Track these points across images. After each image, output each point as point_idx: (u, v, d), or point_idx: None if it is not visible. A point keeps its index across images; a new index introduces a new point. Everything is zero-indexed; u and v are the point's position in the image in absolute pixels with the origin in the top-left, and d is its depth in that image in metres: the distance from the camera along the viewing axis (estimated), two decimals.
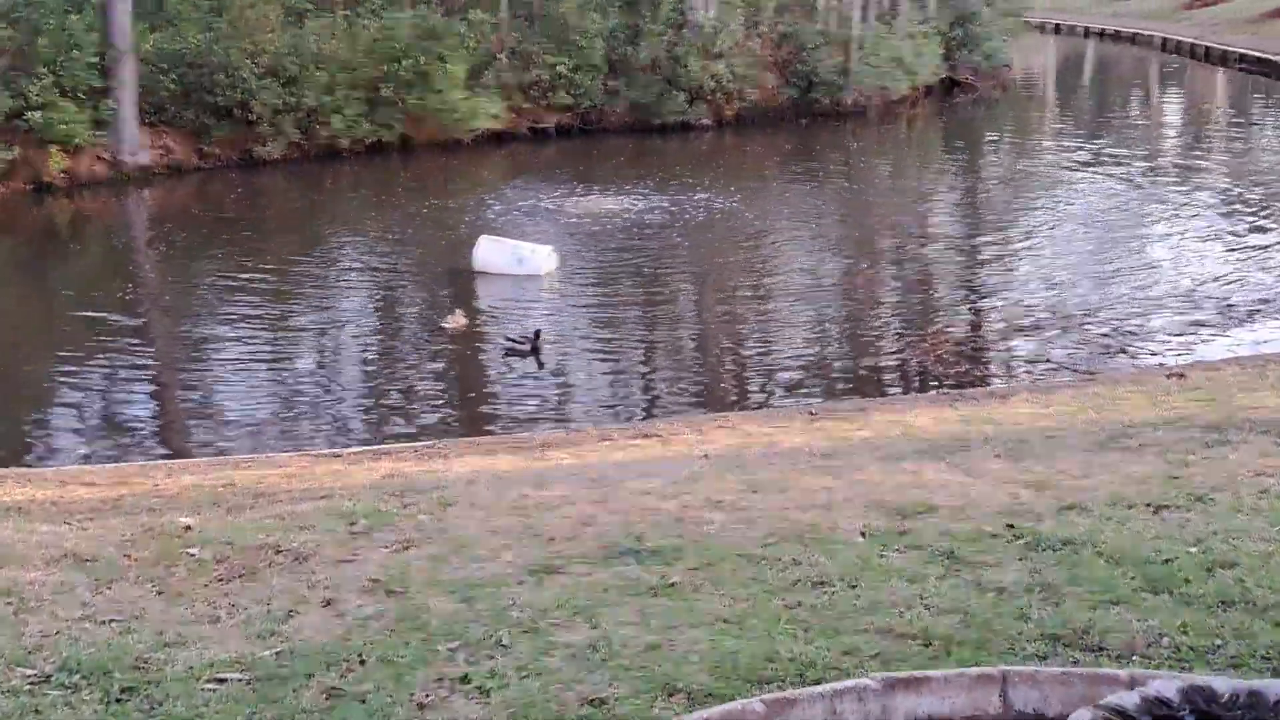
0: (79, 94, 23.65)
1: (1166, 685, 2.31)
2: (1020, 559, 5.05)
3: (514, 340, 13.56)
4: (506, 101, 28.27)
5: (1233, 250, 17.09)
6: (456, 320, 14.49)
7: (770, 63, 30.97)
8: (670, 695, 4.02)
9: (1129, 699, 2.32)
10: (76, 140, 23.56)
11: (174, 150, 25.55)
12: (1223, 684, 2.30)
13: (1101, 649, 4.16)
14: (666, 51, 29.40)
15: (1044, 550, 5.13)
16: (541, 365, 13.16)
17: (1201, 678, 2.34)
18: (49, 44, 23.57)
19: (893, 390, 11.78)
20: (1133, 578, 4.75)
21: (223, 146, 25.78)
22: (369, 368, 13.62)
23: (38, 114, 22.97)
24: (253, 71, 25.15)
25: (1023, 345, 13.32)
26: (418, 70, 26.43)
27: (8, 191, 23.21)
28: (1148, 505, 5.72)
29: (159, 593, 5.47)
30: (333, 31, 26.78)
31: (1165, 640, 4.18)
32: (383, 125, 26.67)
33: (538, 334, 13.46)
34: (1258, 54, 40.43)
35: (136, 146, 24.71)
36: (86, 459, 11.25)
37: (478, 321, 14.85)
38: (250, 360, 13.88)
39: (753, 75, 30.07)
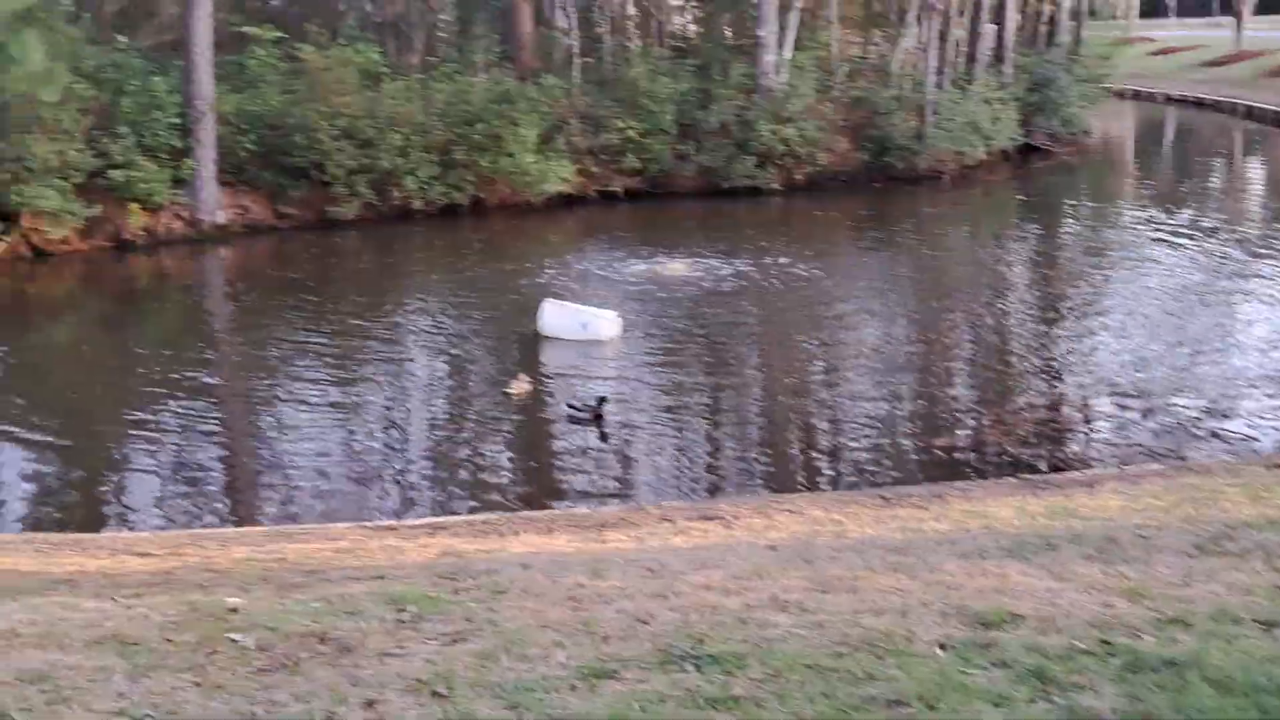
0: (160, 153, 24.11)
1: None
2: (1117, 681, 4.62)
3: (577, 408, 13.34)
4: (577, 165, 28.34)
5: None
6: (520, 386, 14.33)
7: (842, 127, 30.76)
8: None
9: None
10: (156, 198, 24.00)
11: (251, 210, 25.90)
12: None
13: None
14: (737, 116, 29.33)
15: (1144, 672, 4.69)
16: (605, 435, 12.89)
17: None
18: (132, 104, 24.06)
19: (969, 472, 11.29)
20: (1246, 709, 4.31)
21: (298, 207, 26.10)
22: (432, 433, 13.46)
23: (120, 172, 23.43)
24: (329, 133, 25.46)
25: (1107, 426, 12.76)
26: (490, 134, 26.63)
27: (89, 248, 23.62)
28: (1256, 621, 5.25)
29: (197, 684, 5.22)
30: (408, 95, 27.06)
31: None
32: (455, 187, 26.86)
33: (602, 401, 13.23)
34: None
35: (214, 206, 25.07)
36: (149, 521, 11.21)
37: (541, 387, 14.66)
38: (315, 423, 13.82)
39: (824, 139, 29.88)
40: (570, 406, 13.43)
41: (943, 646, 5.09)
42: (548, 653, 5.34)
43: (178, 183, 24.50)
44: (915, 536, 7.40)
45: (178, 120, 24.46)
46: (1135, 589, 5.77)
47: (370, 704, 4.86)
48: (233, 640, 5.84)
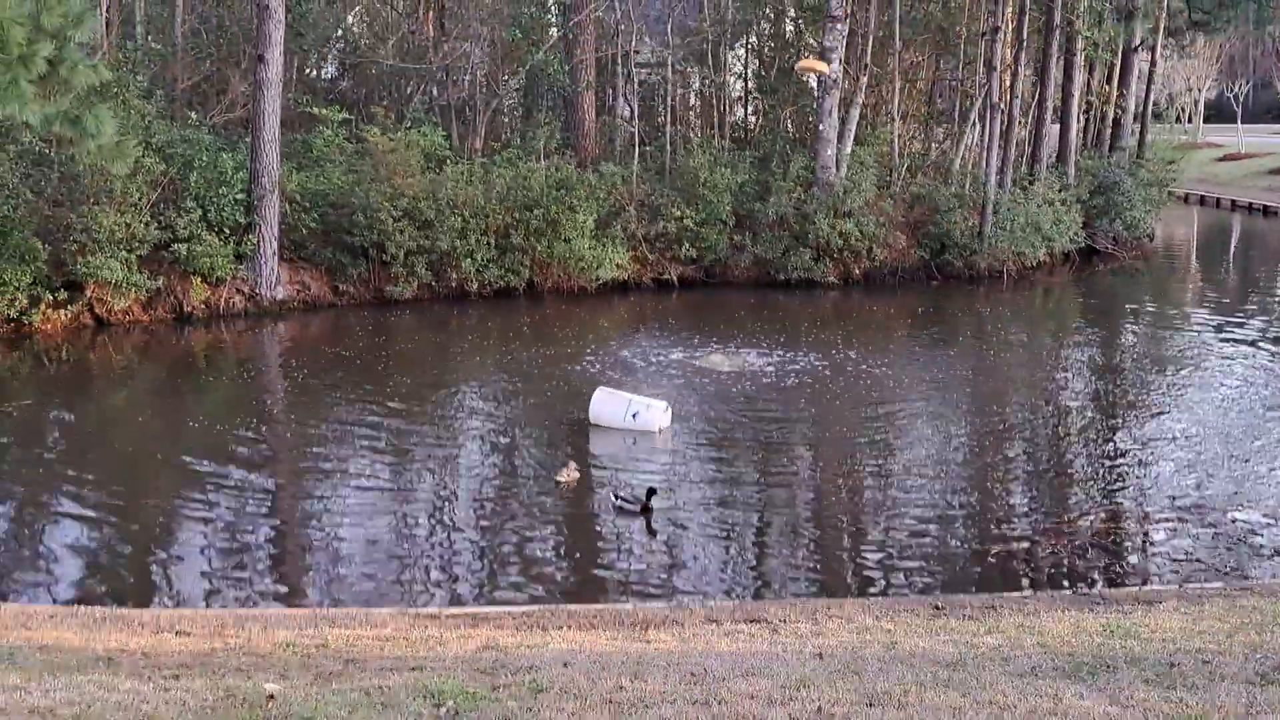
0: (224, 228, 24.56)
1: None
2: None
3: (624, 499, 13.23)
4: (632, 252, 28.51)
5: None
6: (570, 474, 14.27)
7: (901, 223, 30.74)
8: None
9: None
10: (219, 273, 24.40)
11: (310, 287, 26.26)
12: None
13: None
14: (795, 208, 29.42)
15: None
16: (652, 530, 12.76)
17: None
18: (200, 179, 24.59)
19: (1023, 582, 11.01)
20: None
21: (357, 285, 26.45)
22: (479, 519, 13.40)
23: (184, 246, 23.88)
24: (390, 213, 25.84)
25: (1166, 540, 12.42)
26: (548, 219, 26.90)
27: (151, 320, 24.01)
28: None
29: None
30: (469, 178, 27.44)
31: None
32: (511, 271, 27.10)
33: (650, 493, 13.11)
34: None
35: (275, 281, 25.46)
36: (196, 598, 11.20)
37: (590, 475, 14.58)
38: (364, 504, 13.83)
39: (882, 234, 29.85)
40: (618, 497, 13.33)
41: None
42: None
43: (240, 258, 24.92)
44: (967, 650, 7.18)
45: (242, 196, 24.95)
46: (1198, 718, 5.55)
47: None
48: None
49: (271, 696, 6.42)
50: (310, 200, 26.33)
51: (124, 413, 18.65)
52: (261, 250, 25.16)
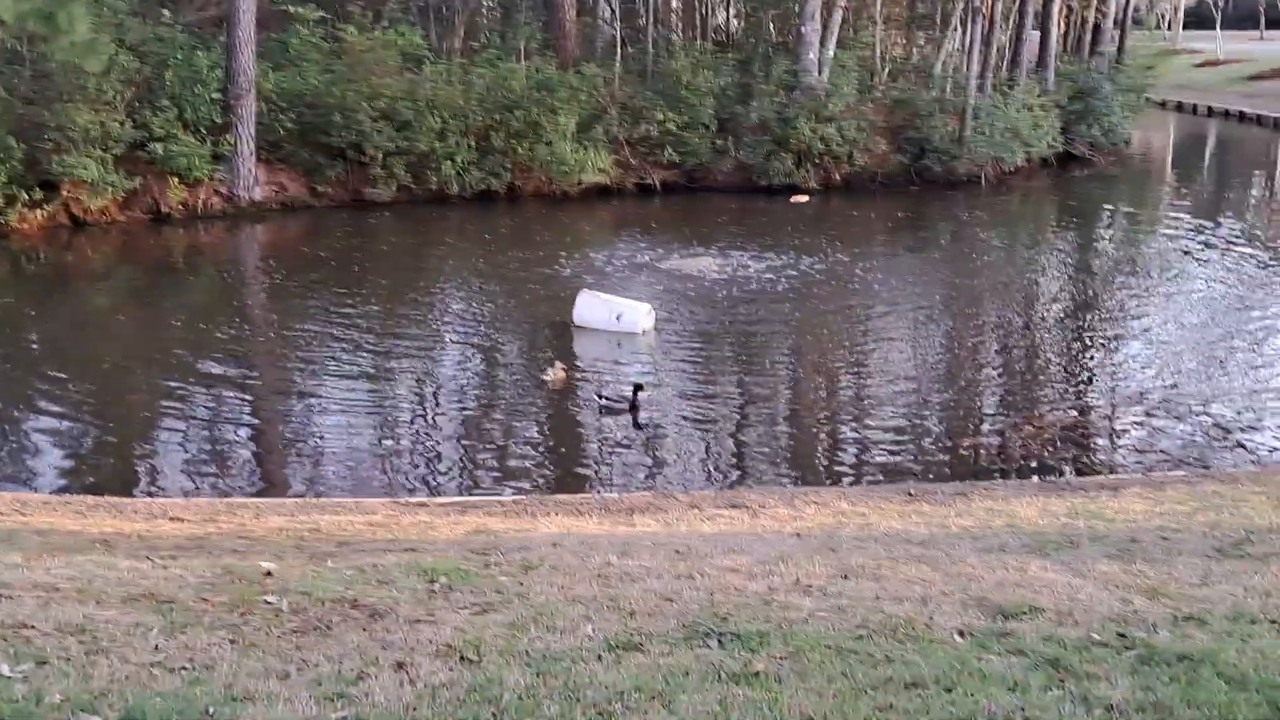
0: (200, 129, 24.36)
1: None
2: (1132, 673, 4.71)
3: (610, 399, 13.44)
4: (614, 156, 28.44)
5: None
6: (556, 374, 14.46)
7: (882, 128, 30.73)
8: None
9: None
10: (195, 173, 24.26)
11: (288, 188, 26.16)
12: None
13: None
14: (777, 113, 29.35)
15: (1158, 665, 4.78)
16: (639, 425, 13.01)
17: None
18: (175, 78, 24.33)
19: (994, 473, 11.34)
20: (1257, 704, 4.38)
21: (335, 186, 26.34)
22: (464, 416, 13.59)
23: (160, 145, 23.71)
24: (368, 114, 25.66)
25: (1134, 433, 12.78)
26: (529, 121, 26.75)
27: (128, 220, 23.93)
28: (1272, 622, 5.32)
29: (232, 641, 5.36)
30: (448, 79, 27.21)
31: None
32: (491, 174, 27.02)
33: (637, 389, 13.33)
34: None
35: (252, 182, 25.35)
36: (182, 489, 11.38)
37: (574, 376, 14.78)
38: (348, 402, 13.97)
39: (863, 140, 29.85)
40: (602, 398, 13.54)
41: (962, 634, 5.20)
42: (575, 625, 5.46)
43: (217, 158, 24.78)
44: (939, 531, 7.48)
45: (218, 96, 24.73)
46: (1154, 587, 5.85)
47: (400, 666, 4.99)
48: (267, 603, 5.99)
49: (269, 573, 6.64)
50: (287, 100, 26.11)
51: (103, 313, 18.70)
52: (238, 150, 25.00)
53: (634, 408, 13.20)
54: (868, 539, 7.20)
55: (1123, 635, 5.13)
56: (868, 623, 5.35)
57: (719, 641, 5.17)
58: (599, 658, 5.03)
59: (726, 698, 4.55)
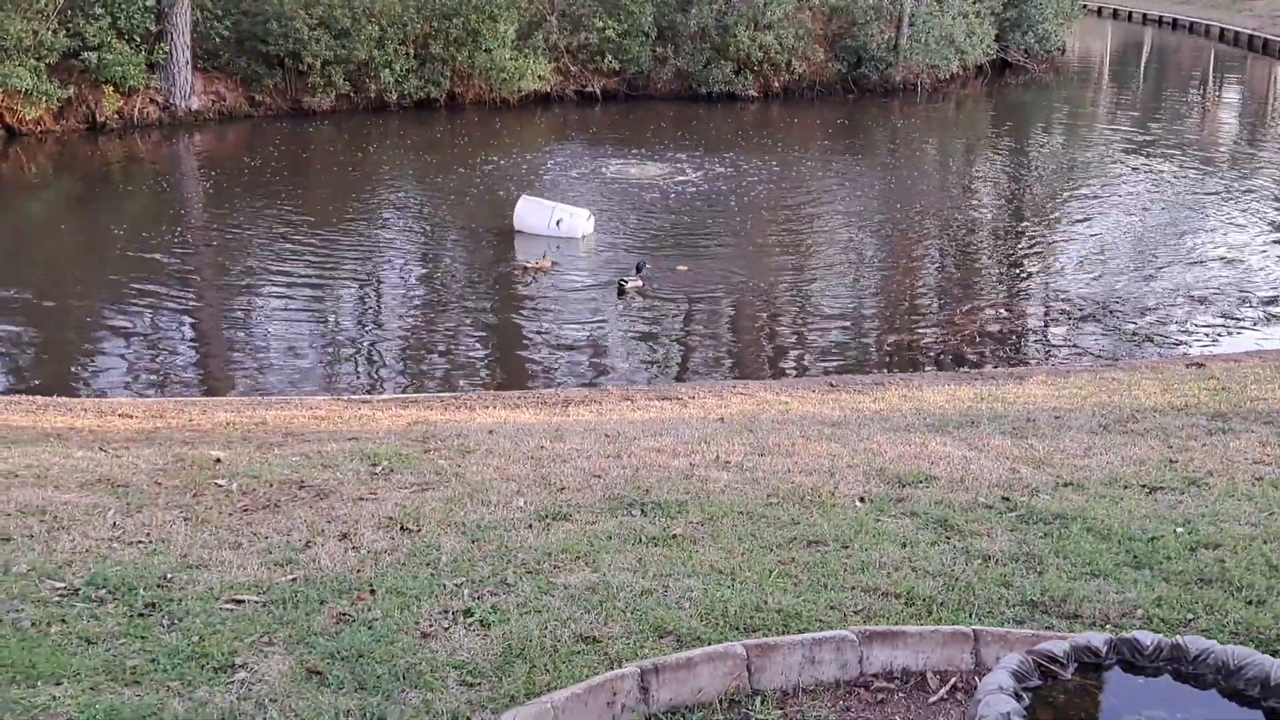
0: (135, 37, 24.03)
1: (1096, 636, 2.48)
2: (1011, 530, 5.21)
3: (625, 280, 14.45)
4: (554, 64, 28.40)
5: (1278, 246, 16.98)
6: (541, 263, 15.16)
7: (820, 36, 30.87)
8: (661, 637, 4.22)
9: (1058, 646, 2.49)
10: (130, 82, 23.97)
11: (225, 97, 25.92)
12: (1148, 638, 2.47)
13: (1077, 617, 4.32)
14: (716, 20, 29.39)
15: (1035, 523, 5.29)
16: (622, 293, 14.18)
17: (1131, 634, 2.51)
18: None
19: (919, 368, 11.88)
20: (1117, 553, 4.90)
21: (273, 95, 26.13)
22: (405, 320, 13.88)
23: (94, 54, 23.38)
24: (306, 22, 25.40)
25: (1053, 331, 13.37)
26: (468, 28, 26.62)
27: (63, 130, 23.67)
28: (1143, 486, 5.85)
29: (186, 519, 5.72)
30: None
31: (1139, 612, 4.33)
32: (431, 82, 26.92)
33: (639, 267, 14.53)
34: None
35: (188, 91, 25.09)
36: (127, 390, 11.62)
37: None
38: (290, 307, 14.18)
39: (801, 48, 30.00)
40: (622, 283, 14.47)
41: (862, 500, 5.68)
42: (508, 500, 5.88)
43: (152, 67, 24.48)
44: (851, 414, 7.97)
45: (152, 3, 24.35)
46: (1040, 458, 6.37)
47: (344, 536, 5.39)
48: (218, 485, 6.35)
49: (219, 460, 6.98)
50: (222, 8, 25.76)
51: (41, 222, 18.64)
52: (174, 59, 24.70)
53: (639, 270, 14.48)
54: (786, 422, 7.67)
55: (1006, 499, 5.63)
56: (778, 491, 5.81)
57: (641, 510, 5.61)
58: (529, 526, 5.46)
59: (645, 557, 5.00)
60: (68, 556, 5.10)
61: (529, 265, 14.99)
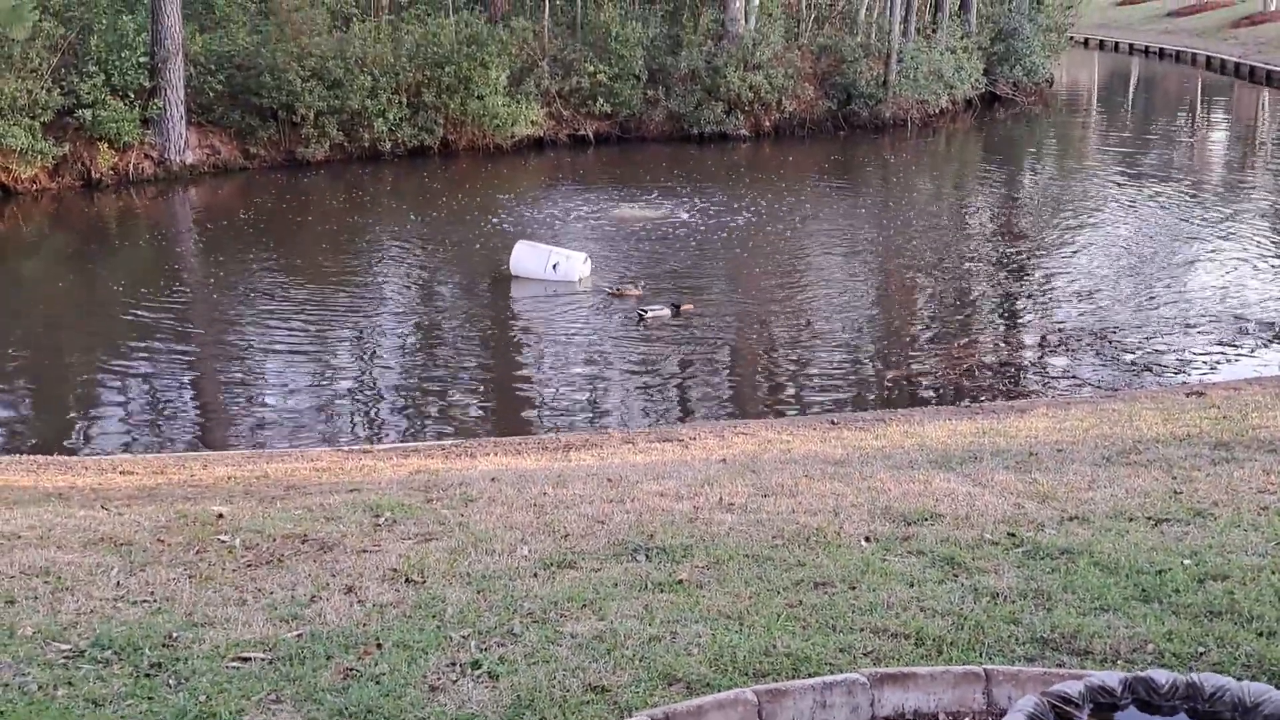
0: (129, 93, 24.18)
1: (1110, 676, 2.47)
2: (1018, 566, 5.19)
3: (646, 313, 14.83)
4: (546, 108, 28.60)
5: (1273, 271, 17.03)
6: (631, 290, 15.58)
7: (809, 74, 31.12)
8: (670, 684, 4.19)
9: (1073, 687, 2.48)
10: (125, 138, 24.09)
11: (220, 150, 26.05)
12: (1163, 676, 2.46)
13: (1088, 653, 4.29)
14: (706, 62, 29.63)
15: (1042, 558, 5.27)
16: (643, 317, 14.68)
17: (1146, 672, 2.50)
18: (101, 43, 24.11)
19: (919, 403, 11.88)
20: (1125, 587, 4.88)
21: (267, 147, 26.26)
22: (405, 369, 13.89)
23: (88, 111, 23.51)
24: (299, 74, 25.58)
25: (1052, 362, 13.39)
26: (460, 76, 26.82)
27: (58, 187, 23.77)
28: (1148, 518, 5.84)
29: (190, 576, 5.69)
30: (377, 36, 27.18)
31: (1150, 647, 4.31)
32: (424, 129, 27.08)
33: (676, 308, 15.09)
34: None
35: (183, 145, 25.22)
36: (127, 449, 11.58)
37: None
38: (289, 359, 14.19)
39: (791, 86, 30.23)
40: (641, 312, 14.86)
41: (868, 539, 5.66)
42: (512, 548, 5.86)
43: (146, 122, 24.61)
44: (855, 453, 7.96)
45: (145, 60, 24.52)
46: (1045, 493, 6.36)
47: (349, 590, 5.37)
48: (221, 541, 6.33)
49: (221, 515, 6.96)
50: (215, 62, 25.94)
51: (38, 280, 18.68)
52: (168, 114, 24.84)
53: (676, 309, 15.01)
54: (789, 461, 7.66)
55: (1012, 535, 5.62)
56: (783, 533, 5.79)
57: (646, 555, 5.59)
58: (535, 575, 5.43)
59: (651, 603, 4.98)
60: (72, 618, 5.07)
61: (618, 291, 15.31)
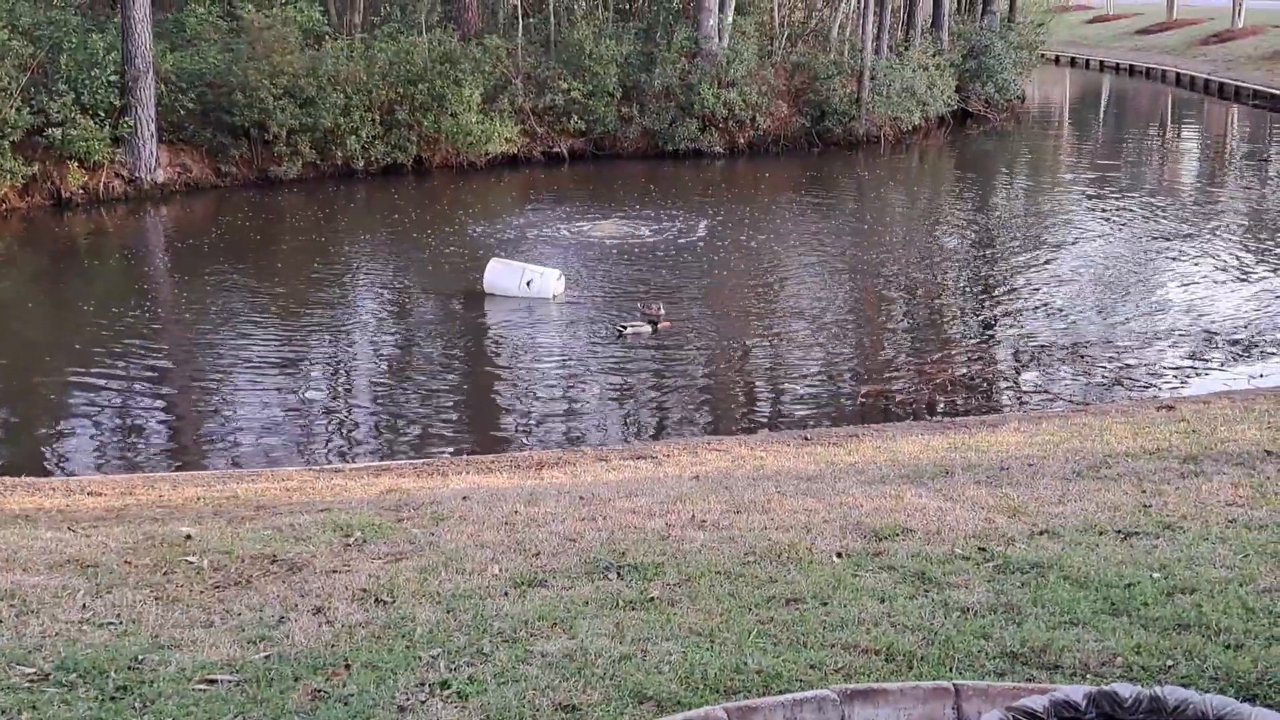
0: (99, 111, 24.05)
1: (1075, 690, 2.47)
2: (988, 581, 5.20)
3: (629, 327, 14.92)
4: (520, 126, 28.61)
5: (1243, 285, 17.17)
6: (655, 310, 15.44)
7: (783, 92, 31.26)
8: (640, 703, 4.17)
9: (1038, 701, 2.48)
10: (95, 157, 23.94)
11: (191, 169, 25.93)
12: (1127, 690, 2.46)
13: (1057, 667, 4.30)
14: (680, 79, 29.72)
15: (1012, 573, 5.28)
16: (621, 334, 14.88)
17: (1110, 686, 2.50)
18: (70, 62, 23.98)
19: (892, 418, 11.91)
20: (1095, 600, 4.90)
21: (239, 165, 26.15)
22: (377, 388, 13.83)
23: (58, 130, 23.36)
24: (270, 92, 25.50)
25: (1024, 377, 13.47)
26: (433, 93, 26.81)
27: (28, 207, 23.59)
28: (1118, 532, 5.86)
29: (156, 598, 5.64)
30: (350, 54, 27.14)
31: (1119, 660, 4.32)
32: (397, 147, 27.03)
33: (655, 323, 15.05)
34: (1271, 90, 40.68)
35: (154, 164, 25.09)
36: (98, 469, 11.48)
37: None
38: (260, 378, 14.09)
39: (765, 104, 30.36)
40: (625, 328, 14.93)
41: (839, 555, 5.66)
42: (483, 567, 5.83)
43: (117, 141, 24.46)
44: (827, 468, 7.97)
45: (116, 78, 24.41)
46: (1015, 507, 6.38)
47: (318, 610, 5.33)
48: (189, 562, 6.27)
49: (189, 536, 6.90)
50: (187, 81, 25.83)
51: (8, 300, 18.51)
52: (138, 133, 24.71)
53: (654, 325, 15.00)
54: (761, 478, 7.66)
55: (983, 549, 5.63)
56: (755, 549, 5.79)
57: (618, 573, 5.57)
58: (505, 594, 5.40)
59: (623, 621, 4.96)
60: (37, 640, 5.01)
61: (653, 315, 15.47)
